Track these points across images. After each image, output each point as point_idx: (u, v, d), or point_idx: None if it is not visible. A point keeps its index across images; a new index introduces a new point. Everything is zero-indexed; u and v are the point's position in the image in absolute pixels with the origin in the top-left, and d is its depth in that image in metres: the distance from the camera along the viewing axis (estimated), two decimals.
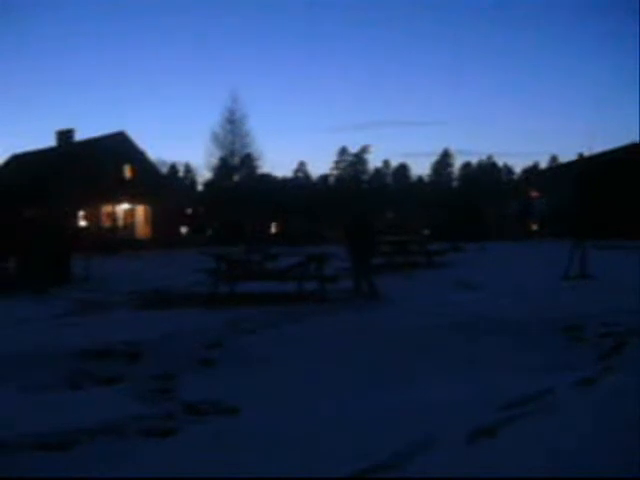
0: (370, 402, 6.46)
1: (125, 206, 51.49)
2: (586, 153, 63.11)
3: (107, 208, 50.44)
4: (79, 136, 52.81)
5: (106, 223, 50.25)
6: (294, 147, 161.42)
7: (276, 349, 9.23)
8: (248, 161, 67.69)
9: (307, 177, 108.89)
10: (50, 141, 53.67)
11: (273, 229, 72.40)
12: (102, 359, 8.53)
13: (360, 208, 49.77)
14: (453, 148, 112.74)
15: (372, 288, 14.98)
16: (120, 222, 51.40)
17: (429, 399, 6.46)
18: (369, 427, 5.59)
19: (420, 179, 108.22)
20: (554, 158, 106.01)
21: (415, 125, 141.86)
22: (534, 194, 65.74)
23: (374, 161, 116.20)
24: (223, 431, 5.61)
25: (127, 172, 52.08)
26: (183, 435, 5.53)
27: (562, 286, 16.85)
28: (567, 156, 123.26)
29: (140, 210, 52.69)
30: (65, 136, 52.10)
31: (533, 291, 15.86)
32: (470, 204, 66.05)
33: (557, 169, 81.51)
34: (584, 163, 60.51)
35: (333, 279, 15.76)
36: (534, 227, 62.69)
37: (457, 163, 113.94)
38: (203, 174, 79.13)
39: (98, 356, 8.65)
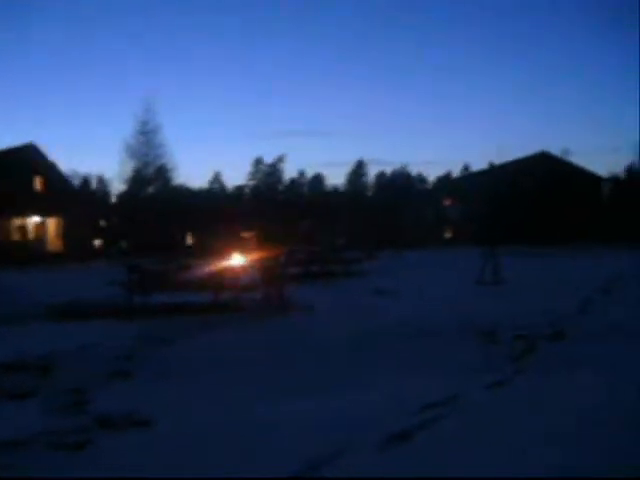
0: (284, 411, 6.42)
1: (36, 219, 50.18)
2: (496, 162, 64.74)
3: (17, 221, 49.08)
4: None
5: (16, 237, 48.87)
6: (209, 158, 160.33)
7: (192, 360, 9.12)
8: (162, 172, 66.79)
9: (222, 188, 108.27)
10: None
11: (189, 241, 71.74)
12: (12, 372, 8.28)
13: (271, 220, 49.87)
14: (367, 158, 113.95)
15: (282, 299, 14.89)
16: (31, 235, 50.07)
17: (344, 405, 6.48)
18: (280, 436, 5.57)
19: (335, 189, 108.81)
20: (466, 167, 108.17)
21: (330, 135, 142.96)
22: (447, 202, 67.00)
23: (290, 171, 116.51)
24: (137, 443, 5.50)
25: (37, 184, 50.80)
26: (95, 448, 5.39)
27: (476, 291, 17.22)
28: (479, 165, 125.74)
29: (52, 223, 51.46)
30: None
31: (448, 297, 16.14)
32: (385, 212, 66.82)
33: (469, 177, 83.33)
34: (494, 172, 62.05)
35: (249, 288, 15.72)
36: (448, 234, 63.83)
37: (371, 172, 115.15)
38: (117, 186, 77.83)
39: (8, 369, 8.40)
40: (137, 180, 65.86)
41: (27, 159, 49.03)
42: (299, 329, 11.57)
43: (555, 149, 74.76)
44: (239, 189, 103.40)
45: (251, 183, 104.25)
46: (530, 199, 51.41)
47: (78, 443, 5.46)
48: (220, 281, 15.56)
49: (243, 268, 16.58)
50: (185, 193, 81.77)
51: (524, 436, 5.34)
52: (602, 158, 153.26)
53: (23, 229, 49.47)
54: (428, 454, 4.99)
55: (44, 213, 49.83)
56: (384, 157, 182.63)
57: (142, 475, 4.72)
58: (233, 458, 5.08)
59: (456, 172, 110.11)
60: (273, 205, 78.77)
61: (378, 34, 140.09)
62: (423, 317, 12.26)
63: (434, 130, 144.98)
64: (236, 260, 16.99)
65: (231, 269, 15.99)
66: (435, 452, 5.03)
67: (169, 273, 18.17)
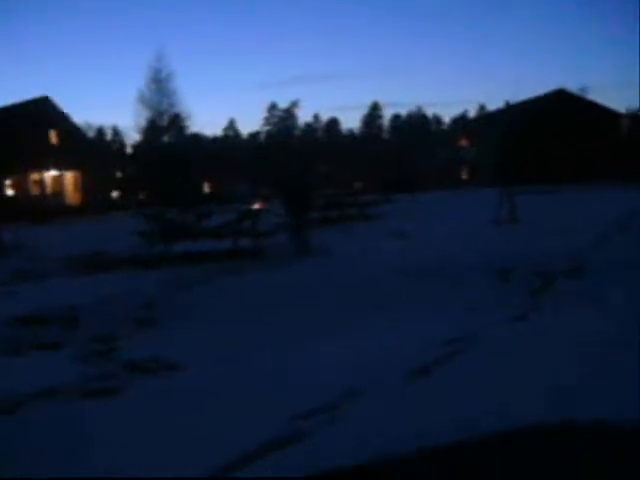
0: (309, 353, 6.58)
1: (53, 173, 50.34)
2: (512, 101, 64.02)
3: (34, 176, 49.25)
4: None
5: (34, 191, 49.13)
6: (223, 105, 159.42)
7: (215, 304, 9.30)
8: (177, 121, 66.56)
9: (237, 135, 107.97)
10: None
11: (206, 189, 71.85)
12: (40, 325, 8.48)
13: (296, 165, 49.73)
14: (382, 100, 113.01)
15: (306, 243, 15.02)
16: (48, 189, 50.31)
17: (370, 344, 6.64)
18: (307, 376, 5.72)
19: (351, 132, 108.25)
20: (482, 107, 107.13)
21: (344, 78, 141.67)
22: (463, 143, 66.53)
23: (304, 116, 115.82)
24: (169, 387, 5.66)
25: (53, 138, 50.83)
26: (128, 393, 5.57)
27: (492, 230, 17.27)
28: (495, 104, 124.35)
29: (69, 176, 51.63)
30: None
31: (465, 237, 16.20)
32: (401, 155, 66.53)
33: (485, 117, 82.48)
34: (510, 111, 61.40)
35: (267, 234, 15.84)
36: (464, 175, 63.56)
37: (387, 115, 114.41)
38: (132, 136, 77.66)
39: (35, 322, 8.59)
40: (152, 129, 65.71)
41: (42, 112, 49.01)
42: (319, 273, 11.70)
43: (572, 86, 74.00)
44: (254, 136, 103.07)
45: (266, 129, 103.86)
46: (547, 137, 50.95)
47: (110, 389, 5.64)
48: (239, 227, 15.69)
49: (262, 213, 16.66)
50: (200, 141, 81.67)
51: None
52: (620, 94, 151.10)
53: (40, 183, 49.69)
54: (451, 380, 5.18)
55: (61, 166, 49.93)
56: (399, 99, 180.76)
57: (180, 418, 4.87)
58: (275, 393, 5.26)
59: (472, 112, 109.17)
60: (289, 150, 78.55)
61: None
62: (440, 258, 12.33)
63: (450, 70, 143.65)
64: (255, 206, 17.09)
65: (248, 214, 16.08)
66: (456, 378, 5.22)
67: (189, 221, 18.30)
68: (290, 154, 71.86)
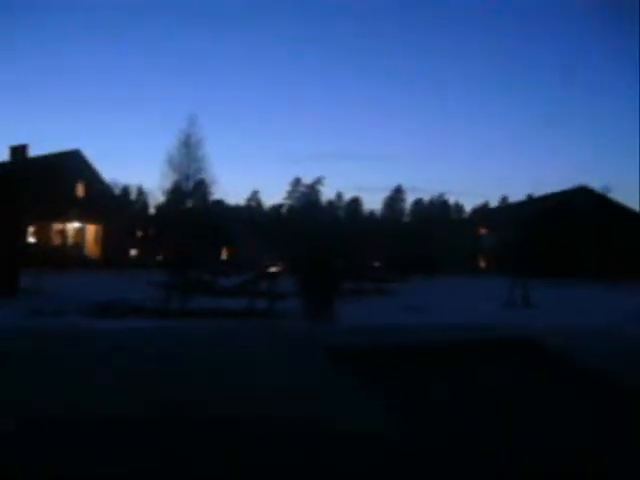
0: None
1: (76, 224, 51.11)
2: (535, 195, 64.73)
3: (57, 225, 50.00)
4: (33, 152, 52.37)
5: (56, 240, 49.76)
6: (247, 175, 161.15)
7: None
8: (202, 187, 67.43)
9: (259, 205, 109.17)
10: (3, 156, 53.21)
11: (224, 256, 72.29)
12: None
13: (319, 242, 49.99)
14: (405, 185, 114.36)
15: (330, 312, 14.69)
16: (70, 240, 50.96)
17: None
18: None
19: (372, 213, 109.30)
20: (504, 198, 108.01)
21: (369, 159, 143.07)
22: (483, 231, 66.96)
23: (327, 193, 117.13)
24: None
25: (80, 190, 51.82)
26: None
27: (504, 312, 17.44)
28: (515, 198, 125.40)
29: (91, 229, 52.39)
30: (19, 151, 51.58)
31: (474, 315, 16.35)
32: (420, 239, 66.88)
33: (506, 208, 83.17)
34: (532, 203, 61.96)
35: (283, 296, 16.04)
36: (482, 263, 63.75)
37: (409, 199, 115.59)
38: (156, 197, 78.57)
39: None
40: (176, 192, 66.51)
41: (72, 165, 50.07)
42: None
43: (595, 184, 74.60)
44: (276, 208, 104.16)
45: (288, 202, 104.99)
46: (567, 232, 51.26)
47: None
48: (256, 288, 15.92)
49: (279, 277, 16.89)
50: (223, 208, 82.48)
51: None
52: None
53: (63, 233, 50.38)
54: None
55: (84, 219, 50.73)
56: (422, 185, 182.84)
57: None
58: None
59: (493, 203, 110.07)
60: (312, 224, 79.12)
61: (419, 62, 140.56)
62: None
63: (473, 161, 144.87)
64: (273, 269, 17.34)
65: (267, 276, 16.35)
66: None
67: (206, 280, 18.62)
68: (315, 229, 72.34)
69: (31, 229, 48.05)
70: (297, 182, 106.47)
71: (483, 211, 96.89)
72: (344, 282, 23.88)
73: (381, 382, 6.54)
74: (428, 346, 7.96)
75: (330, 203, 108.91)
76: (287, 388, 6.10)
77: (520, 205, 69.27)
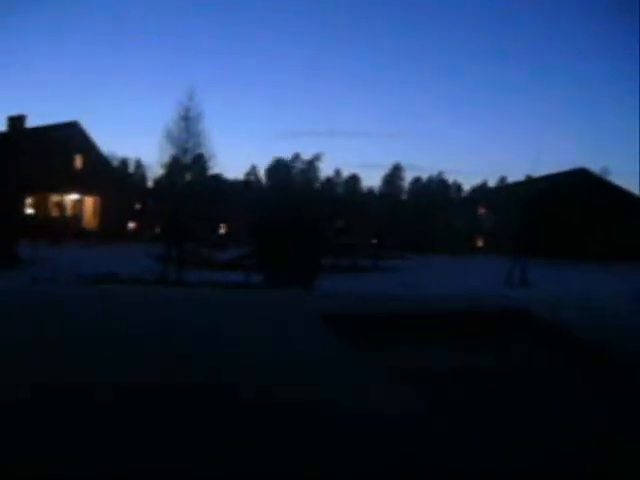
0: None
1: (74, 196, 51.01)
2: (533, 175, 64.67)
3: (55, 197, 49.90)
4: (30, 123, 52.14)
5: (54, 213, 49.69)
6: (246, 150, 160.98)
7: None
8: (200, 161, 67.21)
9: (258, 180, 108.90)
10: (0, 127, 53.02)
11: (222, 230, 72.28)
12: None
13: (311, 214, 49.95)
14: (404, 162, 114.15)
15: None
16: (68, 212, 50.89)
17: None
18: None
19: (371, 190, 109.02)
20: (503, 178, 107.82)
21: (368, 136, 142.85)
22: (482, 211, 66.93)
23: (326, 170, 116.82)
24: None
25: (78, 162, 51.64)
26: None
27: (502, 289, 17.44)
28: (514, 178, 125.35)
29: (89, 201, 52.30)
30: (17, 122, 51.33)
31: (472, 290, 16.37)
32: (418, 217, 66.86)
33: (505, 188, 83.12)
34: (531, 184, 61.93)
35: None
36: (480, 243, 63.76)
37: (408, 177, 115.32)
38: (154, 171, 78.32)
39: None
40: (175, 166, 66.27)
41: (70, 137, 49.86)
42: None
43: (594, 166, 74.58)
44: (268, 183, 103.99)
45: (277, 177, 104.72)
46: (566, 213, 51.25)
47: None
48: (252, 262, 15.90)
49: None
50: (221, 182, 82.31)
51: None
52: None
53: (61, 205, 50.29)
54: None
55: (82, 191, 50.61)
56: (421, 163, 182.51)
57: None
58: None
59: (492, 183, 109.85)
60: (309, 200, 79.02)
61: (420, 40, 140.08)
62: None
63: (472, 141, 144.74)
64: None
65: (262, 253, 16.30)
66: None
67: (203, 253, 18.60)
68: (310, 205, 72.26)
69: (29, 201, 47.97)
70: (296, 158, 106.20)
71: (482, 191, 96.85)
72: (342, 258, 23.97)
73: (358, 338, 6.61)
74: (429, 313, 8.01)
75: (328, 180, 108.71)
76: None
77: (519, 185, 69.18)
